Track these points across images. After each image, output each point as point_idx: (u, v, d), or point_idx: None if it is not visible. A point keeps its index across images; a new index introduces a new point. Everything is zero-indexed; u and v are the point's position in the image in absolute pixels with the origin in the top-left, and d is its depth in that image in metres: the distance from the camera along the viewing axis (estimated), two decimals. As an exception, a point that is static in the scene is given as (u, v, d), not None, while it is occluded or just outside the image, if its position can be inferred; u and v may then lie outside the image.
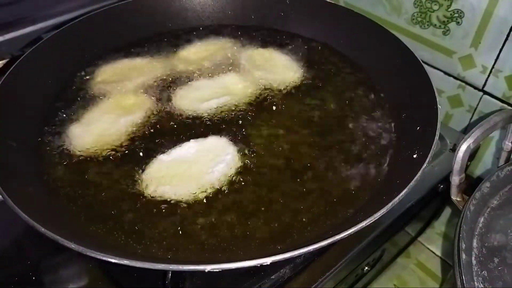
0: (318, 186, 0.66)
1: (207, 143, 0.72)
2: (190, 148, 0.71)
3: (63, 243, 0.48)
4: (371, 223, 0.51)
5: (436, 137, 0.62)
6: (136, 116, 0.77)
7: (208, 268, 0.47)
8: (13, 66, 0.75)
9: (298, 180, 0.67)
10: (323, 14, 0.97)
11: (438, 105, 0.67)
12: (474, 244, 0.64)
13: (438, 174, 0.81)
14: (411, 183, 0.55)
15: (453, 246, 0.63)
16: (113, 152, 0.71)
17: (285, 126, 0.76)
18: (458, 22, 0.89)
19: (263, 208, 0.63)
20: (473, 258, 0.62)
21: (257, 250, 0.58)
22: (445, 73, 0.96)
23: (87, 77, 0.86)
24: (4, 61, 0.91)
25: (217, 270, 0.47)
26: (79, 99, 0.81)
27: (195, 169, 0.67)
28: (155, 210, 0.62)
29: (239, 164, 0.69)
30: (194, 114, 0.78)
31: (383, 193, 0.62)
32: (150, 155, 0.70)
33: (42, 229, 0.49)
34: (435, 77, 0.82)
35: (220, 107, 0.79)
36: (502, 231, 0.64)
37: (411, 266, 0.93)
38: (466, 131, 0.98)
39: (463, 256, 0.61)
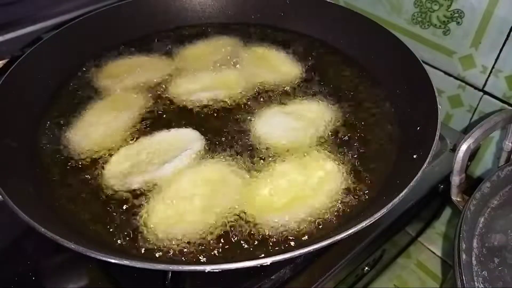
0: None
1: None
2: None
3: (63, 243, 0.48)
4: (371, 223, 0.51)
5: (436, 137, 0.62)
6: (135, 115, 0.77)
7: (208, 268, 0.47)
8: (13, 66, 0.75)
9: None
10: (323, 14, 0.97)
11: (438, 105, 0.67)
12: (474, 244, 0.64)
13: (438, 174, 0.81)
14: (411, 183, 0.55)
15: (453, 246, 0.63)
16: (113, 152, 0.71)
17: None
18: (458, 22, 0.89)
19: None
20: (473, 258, 0.62)
21: (257, 250, 0.58)
22: (445, 73, 0.96)
23: (87, 77, 0.86)
24: (4, 61, 0.92)
25: (217, 270, 0.47)
26: (79, 98, 0.81)
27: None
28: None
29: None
30: (191, 108, 0.79)
31: (383, 193, 0.62)
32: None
33: (42, 229, 0.49)
34: (435, 77, 0.82)
35: (218, 103, 0.80)
36: (502, 231, 0.64)
37: (411, 266, 0.93)
38: (466, 131, 0.98)
39: (463, 256, 0.61)
